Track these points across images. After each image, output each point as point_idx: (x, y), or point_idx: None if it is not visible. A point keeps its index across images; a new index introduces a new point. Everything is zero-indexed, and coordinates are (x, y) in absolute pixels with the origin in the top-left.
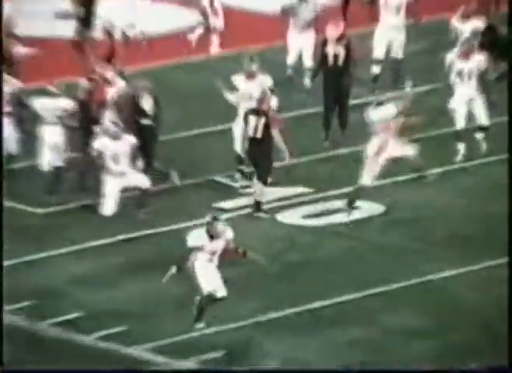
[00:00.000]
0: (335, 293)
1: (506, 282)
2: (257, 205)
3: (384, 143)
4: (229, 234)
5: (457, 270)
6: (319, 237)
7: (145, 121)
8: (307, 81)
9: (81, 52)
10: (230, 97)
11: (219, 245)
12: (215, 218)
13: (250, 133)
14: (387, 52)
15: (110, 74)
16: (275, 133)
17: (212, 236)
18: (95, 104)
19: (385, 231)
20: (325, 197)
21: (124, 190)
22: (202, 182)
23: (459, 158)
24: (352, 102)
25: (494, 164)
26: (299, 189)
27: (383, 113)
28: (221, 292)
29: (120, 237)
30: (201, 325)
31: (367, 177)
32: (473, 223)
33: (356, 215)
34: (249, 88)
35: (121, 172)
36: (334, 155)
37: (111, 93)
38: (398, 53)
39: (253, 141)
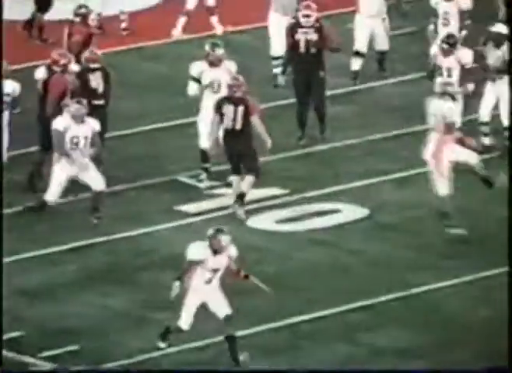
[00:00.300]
0: (314, 307)
1: (508, 293)
2: (242, 197)
3: (442, 144)
4: (232, 251)
5: (451, 281)
6: (295, 244)
7: (97, 101)
8: (281, 80)
9: (32, 35)
10: (193, 90)
11: (222, 261)
12: (219, 230)
13: (229, 125)
14: (371, 43)
15: (72, 63)
16: (257, 120)
17: (215, 251)
18: (54, 97)
19: (369, 237)
20: (302, 199)
21: (74, 191)
22: (163, 182)
23: None
24: (332, 92)
25: (490, 161)
26: (273, 191)
27: (445, 108)
28: (224, 311)
29: (70, 245)
30: (162, 344)
31: (442, 186)
32: (468, 228)
33: (337, 220)
34: (215, 76)
35: (79, 162)
36: (312, 152)
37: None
38: (383, 44)
39: (232, 134)
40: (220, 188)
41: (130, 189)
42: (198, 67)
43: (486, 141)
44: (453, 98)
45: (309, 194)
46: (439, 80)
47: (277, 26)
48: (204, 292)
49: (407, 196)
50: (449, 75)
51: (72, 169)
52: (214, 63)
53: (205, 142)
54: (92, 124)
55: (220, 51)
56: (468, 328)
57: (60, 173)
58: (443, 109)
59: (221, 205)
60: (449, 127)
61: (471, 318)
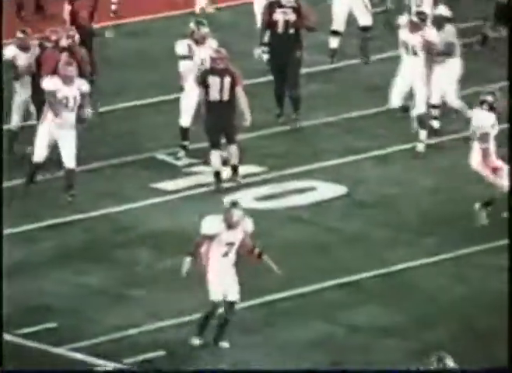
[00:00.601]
0: (293, 285)
1: (487, 271)
2: (236, 169)
3: (486, 154)
4: (248, 225)
5: (429, 258)
6: (273, 222)
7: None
8: (258, 52)
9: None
10: (185, 66)
11: (237, 236)
12: (234, 204)
13: (216, 97)
14: (351, 19)
15: (64, 40)
16: (241, 92)
17: (229, 225)
18: (47, 73)
19: (347, 214)
20: (280, 177)
21: (51, 169)
22: (140, 159)
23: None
24: (311, 70)
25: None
26: (251, 168)
27: (484, 118)
28: (232, 296)
29: (48, 222)
30: (197, 341)
31: (504, 183)
32: (448, 206)
33: (315, 197)
34: (201, 55)
35: (66, 123)
36: (291, 130)
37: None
38: (365, 19)
39: (218, 106)
40: (198, 166)
41: (107, 166)
42: (184, 45)
43: (435, 124)
44: (491, 108)
45: (287, 172)
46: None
47: (262, 2)
48: (221, 266)
49: (385, 174)
50: (415, 53)
51: (56, 131)
52: (199, 41)
53: (186, 120)
54: (80, 85)
55: (205, 29)
56: (446, 306)
57: (44, 135)
58: (478, 119)
59: (198, 183)
60: (482, 137)
61: (449, 296)
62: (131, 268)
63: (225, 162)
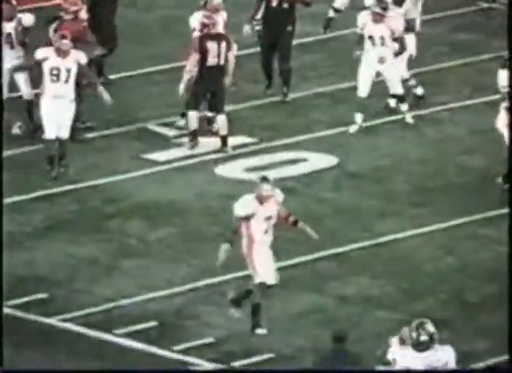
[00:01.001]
0: (283, 256)
1: (477, 242)
2: (225, 139)
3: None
4: (279, 195)
5: (419, 229)
6: None
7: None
8: (247, 29)
9: None
10: None
11: (272, 209)
12: (263, 179)
13: (213, 61)
14: None
15: (83, 11)
16: (232, 57)
17: (262, 200)
18: None
19: (338, 185)
20: (271, 148)
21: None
22: (132, 130)
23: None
24: (303, 40)
25: (460, 112)
26: (241, 139)
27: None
28: (272, 279)
29: (39, 193)
30: (237, 313)
31: None
32: (438, 177)
33: (306, 168)
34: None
35: (59, 95)
36: (282, 101)
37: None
38: None
39: (214, 70)
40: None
41: (99, 137)
42: (198, 18)
43: (419, 91)
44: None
45: (278, 143)
46: (376, 51)
47: None
48: (264, 245)
49: (376, 145)
50: (382, 44)
51: (53, 103)
52: (212, 12)
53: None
54: (77, 57)
55: (218, 0)
56: (436, 277)
57: (47, 109)
58: (503, 80)
59: (190, 153)
60: (506, 97)
61: (439, 267)
62: (122, 239)
63: (215, 133)
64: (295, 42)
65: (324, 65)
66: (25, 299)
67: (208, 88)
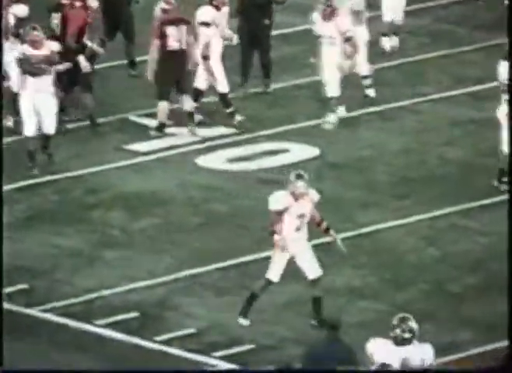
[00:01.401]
0: (265, 246)
1: (458, 233)
2: (192, 115)
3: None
4: (315, 195)
5: (401, 220)
6: (246, 184)
7: None
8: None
9: None
10: (208, 34)
11: (306, 207)
12: (299, 176)
13: (174, 46)
14: None
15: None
16: (192, 40)
17: (296, 197)
18: (73, 32)
19: (320, 176)
20: (252, 139)
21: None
22: (114, 121)
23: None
24: (283, 31)
25: (441, 103)
26: (222, 130)
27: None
28: (315, 273)
29: (20, 184)
30: (245, 322)
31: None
32: (420, 168)
33: (288, 159)
34: (222, 22)
35: (40, 89)
36: (263, 91)
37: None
38: None
39: (176, 54)
40: (171, 127)
41: (81, 127)
42: (208, 13)
43: (371, 93)
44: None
45: (260, 133)
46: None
47: None
48: (295, 242)
49: (357, 136)
50: (332, 43)
51: (35, 97)
52: (219, 6)
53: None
54: (50, 46)
55: None
56: (418, 268)
57: (27, 105)
58: (503, 71)
59: (172, 144)
60: (506, 88)
61: (421, 257)
62: (104, 229)
63: (199, 123)
64: (276, 33)
65: (305, 56)
66: (6, 290)
67: (172, 74)
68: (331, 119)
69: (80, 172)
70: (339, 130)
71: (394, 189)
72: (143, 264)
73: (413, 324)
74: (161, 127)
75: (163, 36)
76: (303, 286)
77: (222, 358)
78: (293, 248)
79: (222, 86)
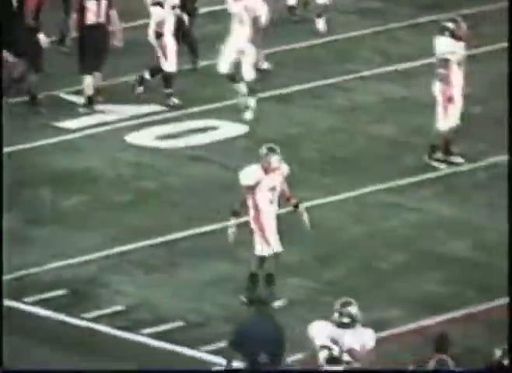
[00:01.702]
0: (194, 224)
1: (386, 210)
2: (99, 92)
3: (450, 82)
4: (285, 169)
5: (331, 197)
6: (175, 161)
7: None
8: None
9: None
10: (158, 13)
11: (276, 179)
12: (272, 150)
13: (92, 20)
14: None
15: None
16: (115, 15)
17: (267, 170)
18: (30, 10)
19: (249, 153)
20: (182, 116)
21: None
22: (44, 97)
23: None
24: (210, 9)
25: (371, 80)
26: (151, 107)
27: (443, 45)
28: (280, 246)
29: None
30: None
31: (444, 123)
32: (348, 145)
33: (217, 136)
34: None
35: None
36: (191, 69)
37: None
38: None
39: (94, 28)
40: (101, 104)
41: (10, 105)
42: None
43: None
44: (452, 35)
45: (189, 111)
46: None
47: None
48: (271, 214)
49: (287, 113)
50: (240, 21)
51: None
52: None
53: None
54: None
55: None
56: (346, 245)
57: None
58: (438, 45)
59: (101, 121)
60: (441, 64)
61: (349, 234)
62: (33, 207)
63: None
64: (203, 10)
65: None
66: None
67: (91, 48)
68: (247, 103)
69: (9, 149)
70: (269, 107)
71: (323, 167)
72: (73, 242)
73: (353, 309)
74: (90, 102)
75: (82, 10)
76: (230, 263)
77: (151, 335)
78: (268, 220)
79: (170, 66)
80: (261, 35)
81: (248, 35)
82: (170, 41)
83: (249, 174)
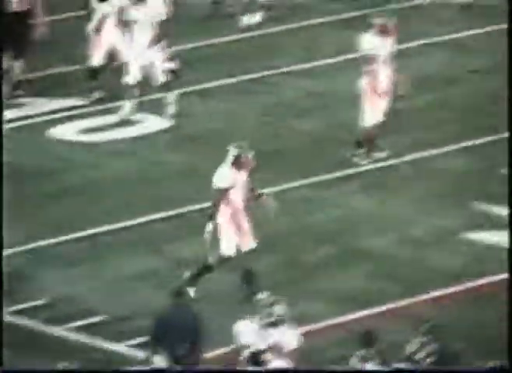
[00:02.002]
0: (118, 218)
1: (311, 204)
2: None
3: (376, 77)
4: (252, 162)
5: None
6: (98, 155)
7: None
8: None
9: None
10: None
11: (245, 175)
12: (242, 148)
13: (14, 6)
14: None
15: None
16: (39, 1)
17: (240, 167)
18: None
19: (173, 147)
20: (105, 110)
21: None
22: None
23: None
24: None
25: (294, 75)
26: (74, 101)
27: (369, 41)
28: (252, 243)
29: None
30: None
31: (369, 118)
32: (275, 140)
33: (141, 130)
34: None
35: None
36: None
37: None
38: None
39: (16, 16)
40: (23, 97)
41: None
42: None
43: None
44: (381, 31)
45: (113, 104)
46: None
47: None
48: (241, 212)
49: (211, 108)
50: (141, 28)
51: None
52: None
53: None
54: None
55: None
56: (271, 238)
57: None
58: (364, 42)
59: (23, 114)
60: (367, 60)
61: (274, 228)
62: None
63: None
64: None
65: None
66: None
67: (11, 35)
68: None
69: None
70: (193, 101)
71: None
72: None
73: (280, 309)
74: (17, 86)
75: None
76: (154, 258)
77: (75, 329)
78: (241, 218)
79: (97, 60)
80: (165, 37)
81: (151, 40)
82: (106, 38)
83: (223, 177)
